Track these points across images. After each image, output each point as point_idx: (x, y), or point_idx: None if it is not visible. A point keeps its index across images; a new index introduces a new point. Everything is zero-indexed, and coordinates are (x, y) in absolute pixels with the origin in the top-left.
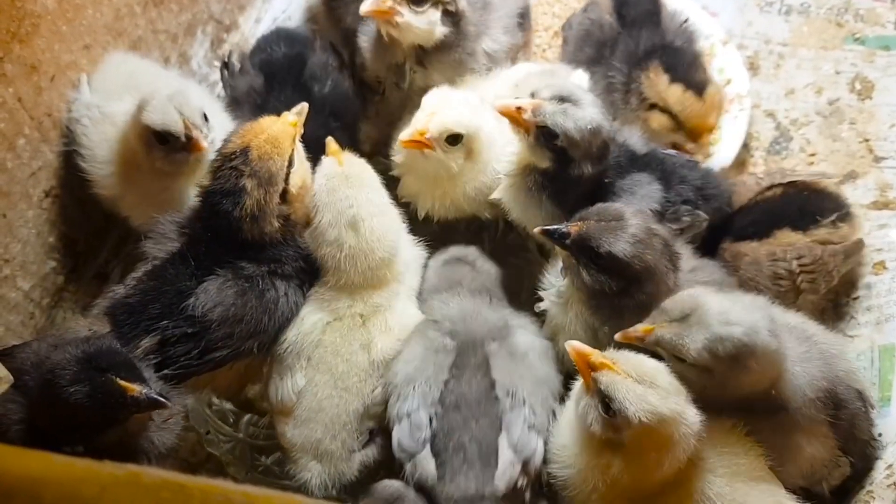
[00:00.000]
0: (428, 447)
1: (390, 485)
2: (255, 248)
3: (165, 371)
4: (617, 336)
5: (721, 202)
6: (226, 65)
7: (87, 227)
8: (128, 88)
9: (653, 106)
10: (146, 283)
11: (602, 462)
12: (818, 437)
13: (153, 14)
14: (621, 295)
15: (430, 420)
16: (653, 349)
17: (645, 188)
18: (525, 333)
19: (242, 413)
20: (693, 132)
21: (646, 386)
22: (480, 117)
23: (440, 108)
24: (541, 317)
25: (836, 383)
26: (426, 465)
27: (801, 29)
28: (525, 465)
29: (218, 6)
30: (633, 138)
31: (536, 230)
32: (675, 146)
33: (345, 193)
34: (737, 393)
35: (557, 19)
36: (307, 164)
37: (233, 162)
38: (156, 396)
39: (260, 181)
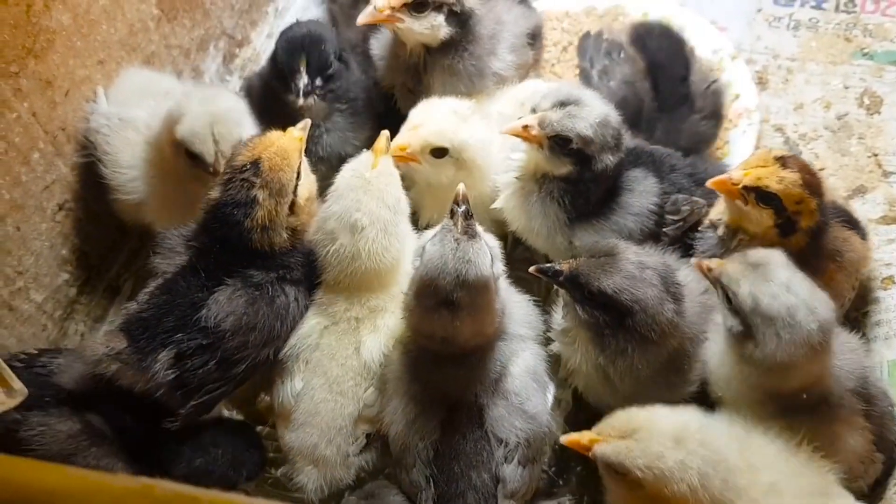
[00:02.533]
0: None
1: (375, 483)
2: (263, 255)
3: (194, 402)
4: (692, 262)
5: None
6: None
7: (100, 241)
8: (144, 95)
9: None
10: (159, 298)
11: None
12: (857, 428)
13: (166, 29)
14: (620, 331)
15: (428, 480)
16: (713, 282)
17: (642, 183)
18: (518, 364)
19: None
20: None
21: (629, 439)
22: (468, 128)
23: (424, 121)
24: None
25: (866, 377)
26: None
27: (810, 44)
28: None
29: (230, 21)
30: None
31: (532, 269)
32: None
33: (358, 196)
34: (766, 376)
35: (566, 34)
36: (312, 177)
37: (244, 174)
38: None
39: (271, 192)
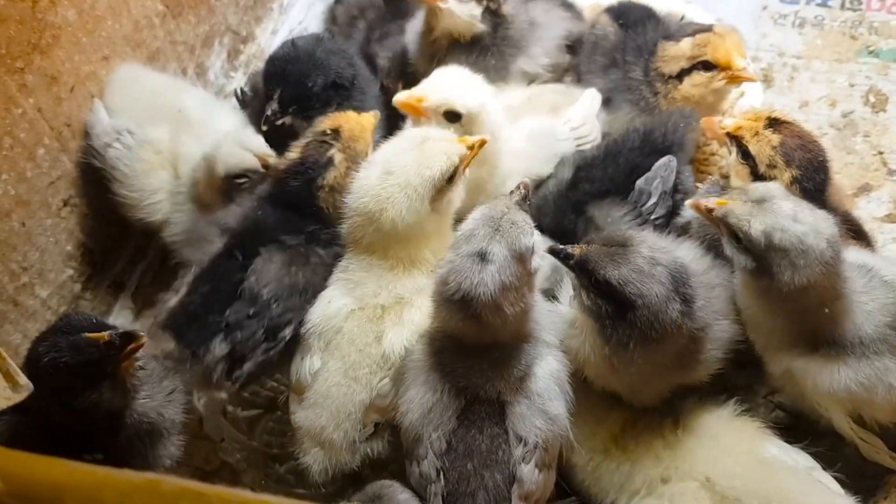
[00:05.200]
0: (439, 500)
1: (380, 483)
2: (301, 220)
3: (251, 365)
4: (687, 203)
5: (680, 145)
6: (239, 96)
7: (105, 236)
8: (156, 110)
9: (679, 75)
10: (201, 287)
11: None
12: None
13: (171, 26)
14: (621, 323)
15: (439, 473)
16: (716, 223)
17: (615, 213)
18: (542, 366)
19: (256, 421)
20: (725, 62)
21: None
22: (489, 106)
23: (447, 83)
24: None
25: None
26: None
27: (815, 41)
28: (529, 497)
29: (235, 18)
30: (563, 169)
31: (545, 249)
32: None
33: (403, 146)
34: (787, 302)
35: None
36: None
37: (325, 137)
38: (126, 330)
39: (347, 156)
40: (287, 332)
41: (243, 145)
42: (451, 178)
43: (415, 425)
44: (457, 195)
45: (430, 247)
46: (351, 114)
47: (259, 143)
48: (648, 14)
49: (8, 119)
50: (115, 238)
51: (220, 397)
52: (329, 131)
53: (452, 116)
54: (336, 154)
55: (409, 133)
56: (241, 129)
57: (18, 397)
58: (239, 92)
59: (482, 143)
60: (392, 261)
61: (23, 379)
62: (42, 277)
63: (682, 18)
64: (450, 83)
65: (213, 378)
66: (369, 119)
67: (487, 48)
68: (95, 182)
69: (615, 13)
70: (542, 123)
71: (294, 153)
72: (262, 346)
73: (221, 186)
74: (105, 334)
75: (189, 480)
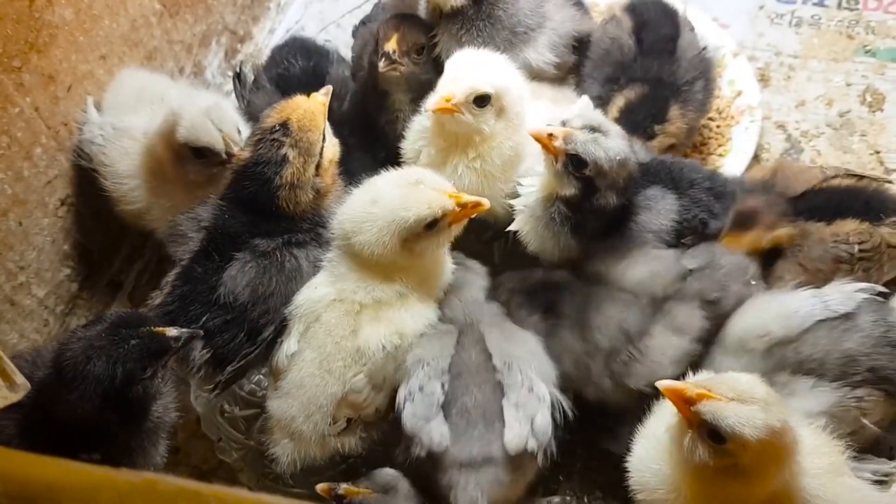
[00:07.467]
0: (441, 414)
1: (387, 472)
2: (270, 222)
3: (232, 368)
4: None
5: (732, 198)
6: (238, 76)
7: (102, 236)
8: (140, 101)
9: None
10: (181, 288)
11: (719, 489)
12: None
13: (168, 25)
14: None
15: (442, 386)
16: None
17: (660, 202)
18: (527, 387)
19: (254, 420)
20: None
21: (749, 404)
22: (507, 74)
23: (464, 71)
24: None
25: None
26: (440, 428)
27: (812, 41)
28: (531, 426)
29: (232, 17)
30: (636, 146)
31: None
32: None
33: (397, 181)
34: None
35: None
36: (336, 140)
37: (274, 134)
38: (191, 330)
39: (300, 151)
40: (267, 334)
41: (216, 123)
42: (431, 226)
43: (415, 357)
44: (435, 243)
45: (407, 277)
46: (298, 101)
47: (230, 124)
48: (669, 39)
49: (5, 118)
50: (112, 237)
51: (209, 397)
52: (278, 126)
53: (482, 101)
54: (289, 151)
55: (409, 170)
56: (218, 104)
57: (16, 397)
58: (238, 68)
59: (476, 206)
60: (371, 273)
61: (20, 378)
62: (39, 277)
63: (705, 49)
64: (468, 68)
65: (193, 373)
66: (318, 102)
67: (471, 23)
68: (92, 181)
69: (638, 22)
70: (553, 112)
71: (245, 153)
72: (244, 349)
73: (178, 151)
74: (172, 331)
75: (186, 480)
